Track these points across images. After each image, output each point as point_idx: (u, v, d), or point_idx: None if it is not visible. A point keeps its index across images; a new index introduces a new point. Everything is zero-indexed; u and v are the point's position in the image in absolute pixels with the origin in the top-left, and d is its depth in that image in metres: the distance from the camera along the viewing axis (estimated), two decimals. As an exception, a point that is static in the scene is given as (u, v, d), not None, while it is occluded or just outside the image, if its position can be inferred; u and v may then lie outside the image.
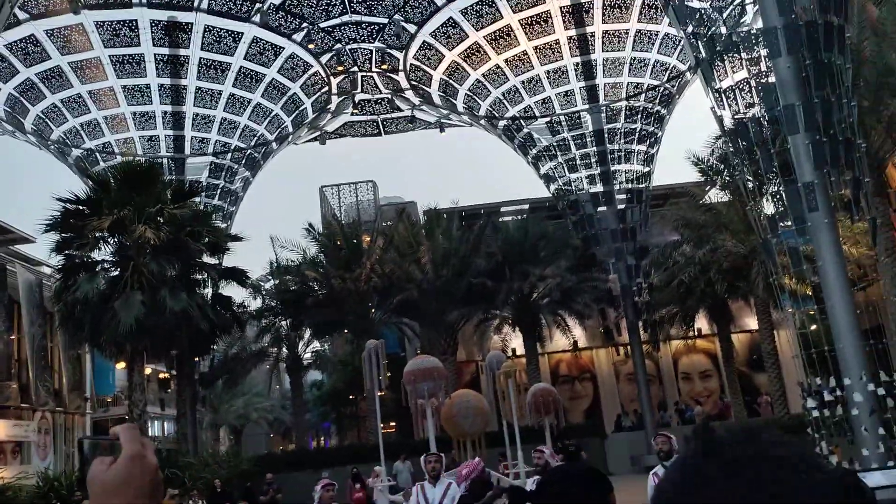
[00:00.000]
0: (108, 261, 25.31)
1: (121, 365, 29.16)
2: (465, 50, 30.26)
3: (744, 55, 15.93)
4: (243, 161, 32.77)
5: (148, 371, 34.22)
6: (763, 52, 15.43)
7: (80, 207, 24.45)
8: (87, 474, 1.17)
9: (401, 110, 33.73)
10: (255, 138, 32.42)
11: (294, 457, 32.41)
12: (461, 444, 19.78)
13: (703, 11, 17.01)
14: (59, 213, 23.95)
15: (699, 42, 16.82)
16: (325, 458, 31.12)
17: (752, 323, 33.00)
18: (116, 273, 24.72)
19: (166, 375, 41.20)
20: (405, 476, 22.44)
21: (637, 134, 32.12)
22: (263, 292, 35.75)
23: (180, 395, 29.54)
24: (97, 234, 24.04)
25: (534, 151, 33.31)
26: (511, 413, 21.22)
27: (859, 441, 13.04)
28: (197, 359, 30.83)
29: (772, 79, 15.12)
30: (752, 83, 15.76)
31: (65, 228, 24.13)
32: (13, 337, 28.94)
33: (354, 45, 29.44)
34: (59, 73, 28.57)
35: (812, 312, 16.08)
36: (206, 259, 27.73)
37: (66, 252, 24.38)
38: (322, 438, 62.59)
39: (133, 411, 24.53)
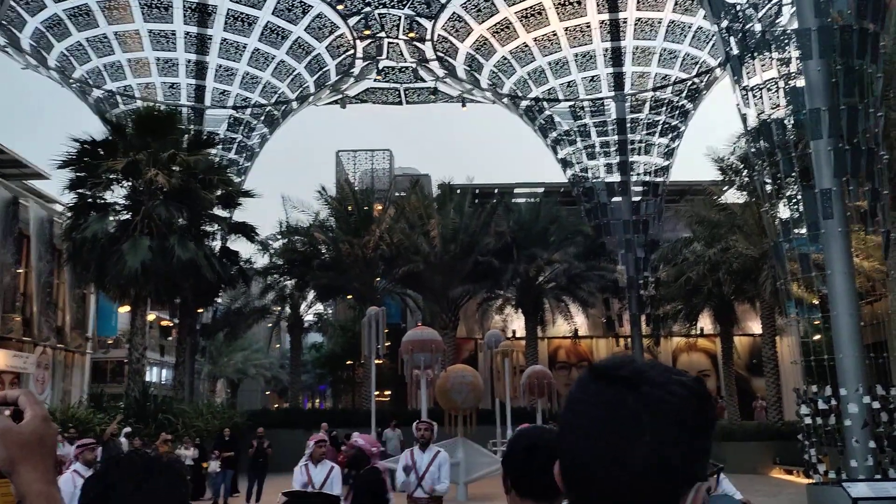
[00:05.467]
0: (119, 203, 25.40)
1: (124, 308, 29.39)
2: (495, 25, 29.95)
3: (775, 55, 15.71)
4: (262, 117, 32.70)
5: (151, 317, 34.40)
6: (795, 54, 15.22)
7: (96, 149, 24.49)
8: None
9: (424, 81, 33.50)
10: (276, 95, 32.32)
11: (287, 415, 32.66)
12: (453, 417, 19.91)
13: (739, 7, 16.75)
14: (74, 152, 24.01)
15: (732, 38, 16.58)
16: (317, 419, 31.32)
17: (756, 327, 32.87)
18: (127, 217, 24.82)
19: (168, 323, 41.54)
20: (394, 443, 22.63)
21: (660, 126, 31.83)
22: (271, 251, 35.85)
23: (180, 344, 29.75)
24: (111, 176, 24.10)
25: (554, 135, 33.08)
26: (504, 392, 21.32)
27: (849, 451, 13.02)
28: (200, 309, 31.01)
29: (801, 81, 14.92)
30: (781, 84, 15.55)
31: (79, 167, 24.20)
32: (21, 270, 29.16)
33: (383, 10, 29.19)
34: (86, 12, 28.49)
35: (816, 322, 15.98)
36: (218, 212, 27.80)
37: (79, 191, 24.47)
38: (317, 400, 63.15)
39: (133, 355, 24.74)
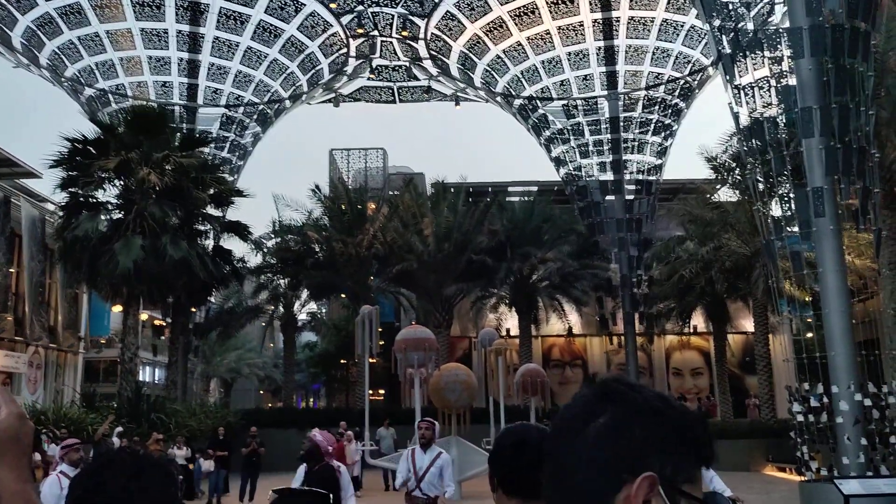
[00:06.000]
0: (111, 202, 25.32)
1: (117, 308, 29.27)
2: (488, 24, 29.94)
3: (767, 53, 15.73)
4: (255, 116, 32.62)
5: (143, 316, 34.36)
6: (786, 52, 15.25)
7: (88, 148, 24.40)
8: None
9: (417, 79, 33.46)
10: (269, 94, 32.23)
11: (281, 415, 32.64)
12: (446, 415, 19.91)
13: (731, 6, 16.77)
14: (66, 151, 23.91)
15: (724, 36, 16.61)
16: (311, 418, 31.33)
17: (749, 325, 32.97)
18: (119, 216, 24.73)
19: (161, 322, 41.44)
20: (388, 442, 22.63)
21: (653, 125, 31.88)
22: (264, 250, 35.78)
23: (173, 343, 29.66)
24: (102, 175, 24.01)
25: (547, 133, 33.09)
26: (498, 391, 21.33)
27: (840, 449, 13.06)
28: (193, 309, 30.92)
29: (792, 80, 14.95)
30: (773, 82, 15.58)
31: (71, 166, 24.10)
32: (12, 270, 29.03)
33: (376, 9, 29.15)
34: (77, 10, 28.36)
35: (809, 320, 16.03)
36: (211, 211, 27.72)
37: (71, 190, 24.37)
38: (311, 399, 63.07)
39: (125, 354, 24.65)
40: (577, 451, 1.01)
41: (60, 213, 25.44)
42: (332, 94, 34.25)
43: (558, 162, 33.27)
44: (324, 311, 48.15)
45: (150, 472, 1.56)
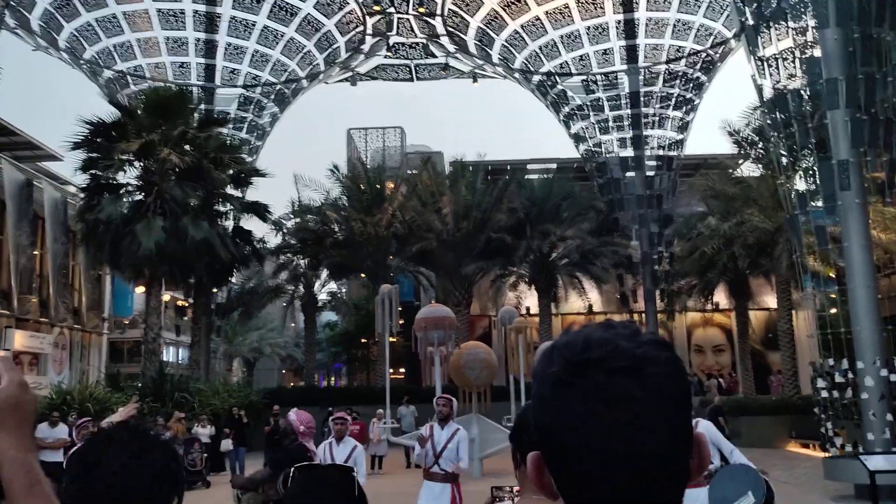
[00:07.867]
0: (132, 184, 25.47)
1: (139, 289, 29.57)
2: (506, -1, 29.60)
3: (791, 24, 15.41)
4: (273, 96, 32.57)
5: (166, 297, 34.68)
6: (811, 22, 14.92)
7: (108, 130, 24.50)
8: None
9: (435, 57, 33.20)
10: (286, 73, 32.15)
11: (302, 393, 32.85)
12: (467, 394, 19.96)
13: (753, -25, 16.40)
14: (86, 133, 24.04)
15: (747, 7, 16.28)
16: (332, 396, 31.57)
17: (771, 301, 32.62)
18: (140, 197, 24.89)
19: (184, 303, 41.83)
20: (409, 420, 22.74)
21: (674, 99, 31.43)
22: (284, 230, 35.87)
23: (196, 324, 29.94)
24: (123, 157, 24.14)
25: (566, 109, 32.75)
26: (518, 369, 21.32)
27: (865, 424, 12.93)
28: (214, 289, 31.14)
29: (817, 51, 14.64)
30: (797, 53, 15.27)
31: (92, 148, 24.25)
32: (36, 252, 29.35)
33: (393, -15, 28.91)
34: (95, -8, 28.40)
35: (833, 296, 15.83)
36: (230, 191, 27.81)
37: (92, 171, 24.54)
38: (332, 378, 63.58)
39: (148, 335, 24.93)
40: (650, 457, 0.94)
41: (82, 196, 25.64)
42: (349, 73, 34.12)
43: (578, 138, 32.95)
44: (344, 290, 48.35)
45: (151, 448, 1.51)
